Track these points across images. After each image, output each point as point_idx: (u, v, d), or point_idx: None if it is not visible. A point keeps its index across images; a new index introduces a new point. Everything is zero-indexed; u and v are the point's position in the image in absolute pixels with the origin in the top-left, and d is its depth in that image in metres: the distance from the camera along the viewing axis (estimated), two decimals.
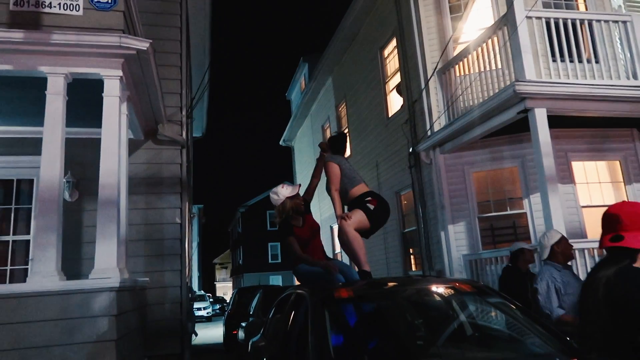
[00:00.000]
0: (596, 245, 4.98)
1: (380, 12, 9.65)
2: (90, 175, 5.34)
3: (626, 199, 6.85)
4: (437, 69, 7.53)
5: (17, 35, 4.19)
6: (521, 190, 7.08)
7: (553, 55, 6.08)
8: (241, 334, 8.23)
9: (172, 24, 6.98)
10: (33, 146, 4.95)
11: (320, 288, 3.09)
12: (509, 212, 7.18)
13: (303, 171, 16.64)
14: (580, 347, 2.24)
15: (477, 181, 7.42)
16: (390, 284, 3.32)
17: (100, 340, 3.82)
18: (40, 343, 3.73)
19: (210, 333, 16.20)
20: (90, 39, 4.34)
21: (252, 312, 8.57)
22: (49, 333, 3.76)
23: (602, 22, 6.37)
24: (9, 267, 5.87)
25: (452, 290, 3.02)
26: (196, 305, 22.14)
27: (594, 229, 6.43)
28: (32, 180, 5.96)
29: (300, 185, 3.91)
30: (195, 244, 29.99)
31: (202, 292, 29.97)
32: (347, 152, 11.44)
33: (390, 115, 9.41)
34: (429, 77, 7.68)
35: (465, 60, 7.03)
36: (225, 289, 54.92)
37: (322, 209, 13.17)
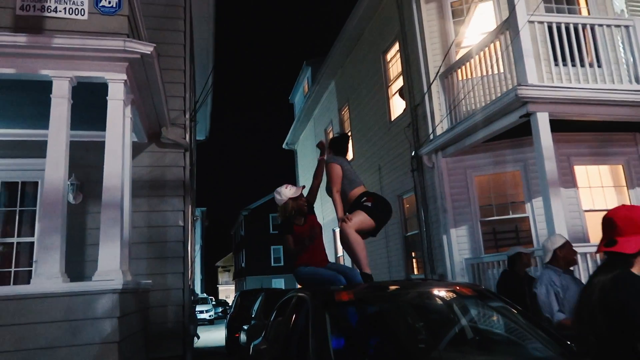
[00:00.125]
0: None
1: (383, 16, 9.69)
2: (94, 177, 5.37)
3: (629, 203, 6.83)
4: (439, 73, 7.55)
5: (23, 39, 4.23)
6: (523, 194, 7.07)
7: (555, 59, 6.09)
8: (243, 337, 8.23)
9: (176, 28, 7.02)
10: (38, 149, 4.99)
11: (321, 291, 3.11)
12: (511, 215, 7.17)
13: (306, 174, 16.66)
14: (579, 351, 2.25)
15: (479, 185, 7.42)
16: (391, 287, 3.32)
17: (103, 342, 3.84)
18: (44, 344, 3.75)
19: (213, 336, 16.20)
20: (95, 43, 4.38)
21: (255, 315, 8.57)
22: (53, 334, 3.78)
23: (604, 26, 6.37)
24: (13, 269, 5.90)
25: (453, 294, 3.03)
26: (198, 308, 22.14)
27: (597, 233, 6.39)
28: (37, 182, 6.00)
29: (304, 186, 3.92)
30: (198, 247, 30.01)
31: (205, 295, 29.99)
32: (350, 155, 11.50)
33: (392, 119, 9.43)
34: (431, 81, 7.70)
35: (468, 64, 7.04)
36: (227, 291, 54.86)
37: (325, 212, 13.18)
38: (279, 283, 36.14)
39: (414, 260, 9.03)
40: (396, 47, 9.21)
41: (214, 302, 32.14)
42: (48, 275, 3.89)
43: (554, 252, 3.62)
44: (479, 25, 7.70)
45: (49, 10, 4.53)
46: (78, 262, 5.65)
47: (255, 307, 8.97)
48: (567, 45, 6.08)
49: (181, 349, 6.21)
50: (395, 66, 9.49)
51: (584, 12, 7.55)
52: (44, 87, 4.35)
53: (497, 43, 6.42)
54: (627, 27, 6.41)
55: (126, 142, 4.88)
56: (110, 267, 4.14)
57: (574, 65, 6.10)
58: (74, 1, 4.57)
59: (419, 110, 8.16)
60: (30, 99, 4.92)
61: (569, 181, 6.89)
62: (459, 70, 7.26)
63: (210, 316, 25.13)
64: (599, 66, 6.26)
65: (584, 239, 6.54)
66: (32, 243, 5.92)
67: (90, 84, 4.54)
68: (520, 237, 6.96)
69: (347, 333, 2.82)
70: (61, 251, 4.02)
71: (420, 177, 8.15)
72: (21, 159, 5.90)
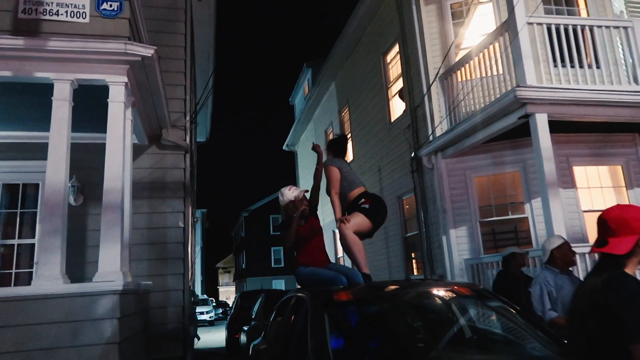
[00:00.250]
0: None
1: (383, 18, 9.72)
2: (94, 179, 5.39)
3: (627, 204, 6.84)
4: (439, 75, 7.57)
5: (24, 42, 4.25)
6: (523, 195, 7.09)
7: (554, 60, 6.11)
8: (243, 337, 8.24)
9: (177, 31, 7.05)
10: (39, 151, 5.01)
11: (320, 291, 3.12)
12: (510, 216, 7.19)
13: (306, 176, 16.68)
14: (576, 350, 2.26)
15: (478, 186, 7.44)
16: (390, 287, 3.34)
17: (103, 343, 3.85)
18: (45, 345, 3.76)
19: (213, 337, 16.20)
20: (96, 46, 4.41)
21: (255, 316, 8.59)
22: (53, 335, 3.79)
23: (604, 27, 6.39)
24: (14, 270, 5.92)
25: (452, 294, 3.05)
26: (199, 309, 22.15)
27: (595, 233, 6.42)
28: (38, 184, 6.03)
29: (308, 190, 3.95)
30: (198, 248, 30.03)
31: (205, 296, 29.98)
32: (350, 156, 11.51)
33: (392, 120, 9.45)
34: (431, 83, 7.72)
35: (467, 65, 7.06)
36: (228, 293, 54.82)
37: (324, 213, 13.19)
38: (279, 284, 36.13)
39: (413, 261, 9.05)
40: (396, 48, 9.23)
41: (214, 304, 32.15)
42: (49, 276, 3.91)
43: (551, 252, 3.66)
44: (478, 26, 7.73)
45: (51, 14, 4.56)
46: (79, 264, 5.67)
47: (256, 308, 8.99)
48: (566, 47, 6.10)
49: (181, 350, 6.23)
50: (395, 68, 9.52)
51: (583, 13, 7.57)
52: (45, 90, 4.37)
53: (497, 44, 6.44)
54: (626, 28, 6.43)
55: (127, 144, 4.91)
56: (110, 268, 4.15)
57: (573, 66, 6.12)
58: (75, 4, 4.60)
59: (419, 112, 8.18)
60: (32, 101, 4.94)
61: (568, 182, 6.91)
62: (459, 72, 7.28)
63: (210, 317, 25.12)
64: (598, 67, 6.28)
65: (583, 239, 6.56)
66: (33, 245, 5.94)
67: (91, 86, 4.56)
68: (519, 238, 6.97)
69: (346, 333, 2.84)
70: (62, 252, 4.03)
71: (420, 178, 8.17)
72: (22, 161, 5.92)
